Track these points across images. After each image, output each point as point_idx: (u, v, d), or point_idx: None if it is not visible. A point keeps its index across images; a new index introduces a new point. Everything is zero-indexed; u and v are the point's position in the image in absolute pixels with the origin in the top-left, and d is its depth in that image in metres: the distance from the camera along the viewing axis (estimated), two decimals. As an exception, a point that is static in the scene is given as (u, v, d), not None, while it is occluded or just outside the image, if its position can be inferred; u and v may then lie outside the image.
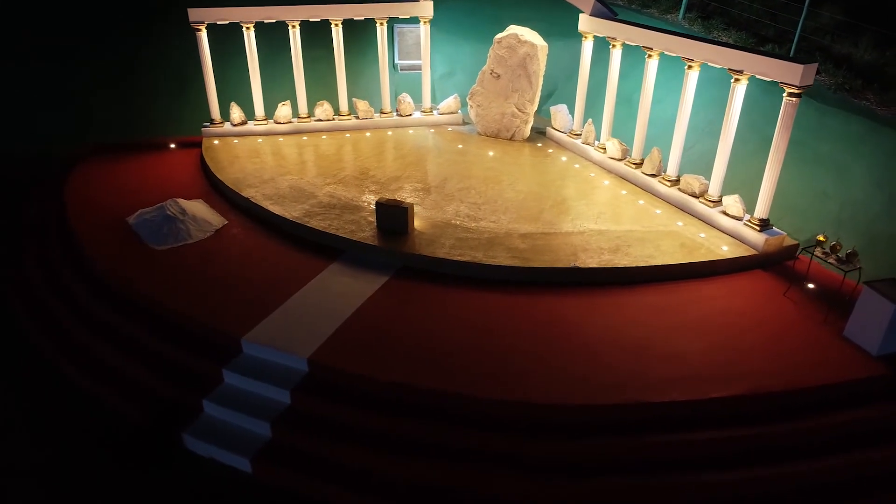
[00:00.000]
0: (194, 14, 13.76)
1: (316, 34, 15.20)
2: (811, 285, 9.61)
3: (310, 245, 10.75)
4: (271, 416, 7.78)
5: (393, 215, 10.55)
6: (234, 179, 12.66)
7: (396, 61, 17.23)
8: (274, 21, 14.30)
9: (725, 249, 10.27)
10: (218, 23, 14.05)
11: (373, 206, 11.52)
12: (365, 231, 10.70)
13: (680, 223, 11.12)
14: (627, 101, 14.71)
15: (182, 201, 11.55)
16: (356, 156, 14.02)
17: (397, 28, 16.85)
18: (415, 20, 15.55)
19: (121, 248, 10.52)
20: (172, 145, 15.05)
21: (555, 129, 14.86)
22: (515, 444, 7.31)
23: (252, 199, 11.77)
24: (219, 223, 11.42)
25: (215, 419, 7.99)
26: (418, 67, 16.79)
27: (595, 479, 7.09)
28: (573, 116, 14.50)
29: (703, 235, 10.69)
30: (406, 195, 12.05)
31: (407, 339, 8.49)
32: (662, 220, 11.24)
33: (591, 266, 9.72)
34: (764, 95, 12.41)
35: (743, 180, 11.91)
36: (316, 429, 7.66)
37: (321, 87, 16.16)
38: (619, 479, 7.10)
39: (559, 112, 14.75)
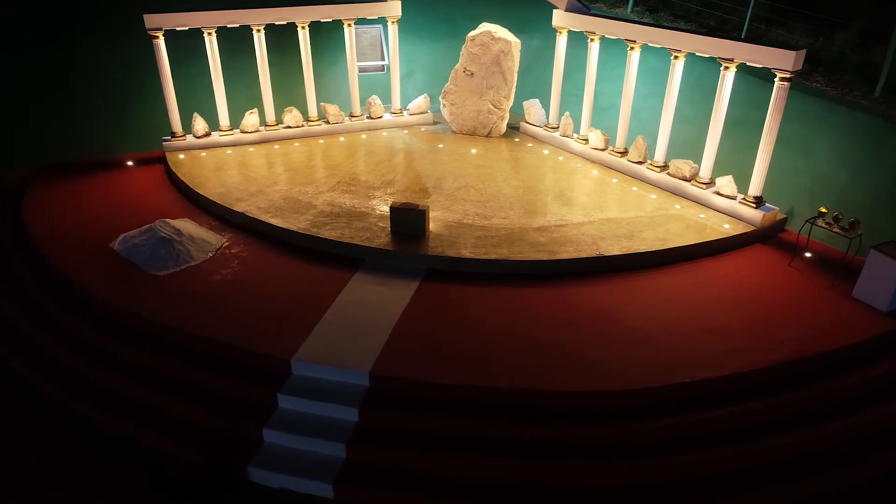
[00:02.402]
0: (151, 20, 12.81)
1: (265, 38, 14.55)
2: (808, 254, 10.42)
3: (322, 256, 10.35)
4: (344, 436, 7.46)
5: (410, 219, 10.37)
6: (219, 194, 11.94)
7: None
8: (237, 26, 13.57)
9: (727, 227, 10.92)
10: (177, 29, 13.15)
11: (378, 212, 11.27)
12: (381, 237, 10.45)
13: (677, 206, 11.70)
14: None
15: (172, 221, 10.78)
16: (338, 161, 13.62)
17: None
18: (369, 20, 15.33)
19: (120, 279, 9.64)
20: (130, 163, 13.94)
21: (529, 123, 15.13)
22: (596, 433, 7.44)
23: (248, 214, 11.16)
24: (217, 241, 10.74)
25: (280, 447, 7.54)
26: (376, 69, 16.55)
27: (673, 456, 7.34)
28: (547, 110, 14.83)
29: (702, 216, 11.31)
30: (406, 198, 11.86)
31: (461, 340, 8.40)
32: (661, 205, 11.77)
33: (615, 253, 10.03)
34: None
35: (716, 161, 12.64)
36: (393, 442, 7.43)
37: (278, 92, 15.53)
38: (694, 454, 7.36)
39: (532, 107, 15.04)
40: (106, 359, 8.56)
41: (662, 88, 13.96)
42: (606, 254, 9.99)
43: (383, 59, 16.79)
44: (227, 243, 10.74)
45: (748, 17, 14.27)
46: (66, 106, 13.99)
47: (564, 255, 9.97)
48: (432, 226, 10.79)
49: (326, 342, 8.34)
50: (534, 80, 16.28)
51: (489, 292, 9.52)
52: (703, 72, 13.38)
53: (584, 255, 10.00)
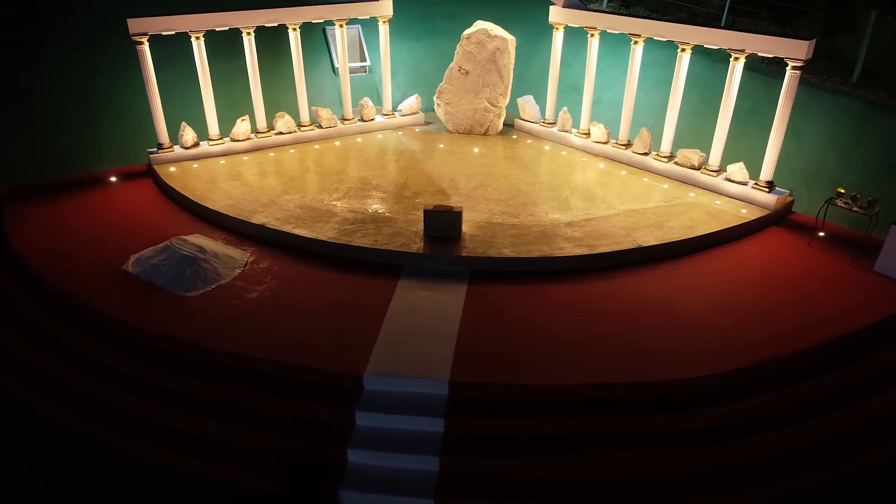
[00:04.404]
0: (135, 25, 11.95)
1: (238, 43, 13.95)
2: (821, 233, 10.96)
3: (353, 265, 10.01)
4: (434, 448, 7.23)
5: (445, 221, 10.18)
6: (229, 207, 11.32)
7: (336, 65, 16.40)
8: (226, 29, 12.89)
9: (744, 212, 11.33)
10: (163, 33, 12.34)
11: (404, 215, 11.01)
12: (416, 242, 10.20)
13: (691, 195, 12.04)
14: (575, 88, 15.45)
15: (190, 238, 10.13)
16: (342, 166, 13.21)
17: (330, 30, 16.03)
18: (361, 20, 14.98)
19: (148, 304, 8.95)
20: (113, 178, 12.98)
21: (524, 120, 15.19)
22: (683, 420, 7.55)
23: (269, 226, 10.63)
24: (241, 257, 10.17)
25: (368, 466, 7.22)
26: (357, 70, 16.18)
27: (760, 434, 7.54)
28: (542, 107, 14.92)
29: (718, 203, 11.68)
30: (425, 199, 11.64)
31: (527, 340, 8.33)
32: (676, 194, 12.08)
33: (652, 244, 10.21)
34: (709, 73, 13.78)
35: (706, 148, 13.06)
36: (485, 449, 7.27)
37: (263, 98, 14.92)
38: (780, 431, 7.57)
39: (527, 103, 15.10)
40: (164, 395, 7.91)
41: (650, 82, 14.35)
42: (644, 244, 10.16)
43: (363, 60, 16.44)
44: (252, 258, 10.19)
45: (727, 9, 14.89)
46: (26, 120, 12.84)
47: (604, 249, 10.07)
48: (464, 227, 10.64)
49: (394, 354, 8.06)
50: (516, 77, 16.30)
51: (537, 290, 9.47)
52: (689, 64, 13.80)
53: (622, 247, 10.13)
